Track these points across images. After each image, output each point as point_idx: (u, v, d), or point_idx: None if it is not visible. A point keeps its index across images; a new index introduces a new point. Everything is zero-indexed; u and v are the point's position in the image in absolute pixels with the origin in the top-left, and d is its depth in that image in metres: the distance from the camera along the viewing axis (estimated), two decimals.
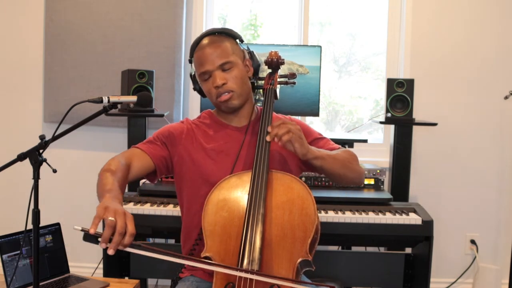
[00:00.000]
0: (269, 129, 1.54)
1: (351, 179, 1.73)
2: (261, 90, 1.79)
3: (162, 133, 1.75)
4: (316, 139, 1.78)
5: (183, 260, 1.36)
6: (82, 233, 1.21)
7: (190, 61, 1.76)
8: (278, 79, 1.79)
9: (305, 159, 1.58)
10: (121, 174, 1.54)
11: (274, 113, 1.75)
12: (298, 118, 3.18)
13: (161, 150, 1.71)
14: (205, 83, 1.69)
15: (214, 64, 1.65)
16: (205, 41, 1.69)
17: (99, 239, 1.21)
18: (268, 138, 1.53)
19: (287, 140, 1.50)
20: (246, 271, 1.38)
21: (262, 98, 1.76)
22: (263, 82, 1.80)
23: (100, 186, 1.48)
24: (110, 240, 1.22)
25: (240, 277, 1.40)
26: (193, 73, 1.77)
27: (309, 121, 3.46)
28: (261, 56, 1.82)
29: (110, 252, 1.22)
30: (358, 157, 1.77)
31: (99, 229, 1.22)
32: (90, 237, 1.21)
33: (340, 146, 1.81)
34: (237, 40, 1.74)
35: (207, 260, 1.41)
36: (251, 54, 1.77)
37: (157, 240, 2.91)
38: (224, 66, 1.65)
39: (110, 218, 1.23)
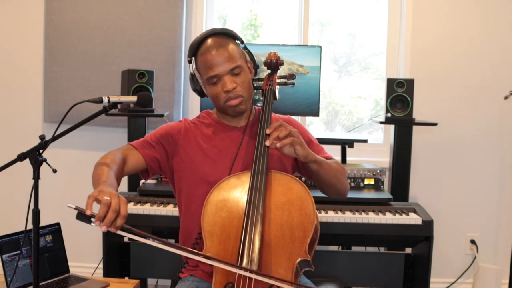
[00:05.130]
0: (268, 131, 1.53)
1: (338, 191, 1.75)
2: (260, 91, 1.79)
3: (159, 133, 1.74)
4: (311, 142, 1.78)
5: (179, 250, 1.36)
6: (78, 216, 1.25)
7: (190, 61, 1.74)
8: (277, 80, 1.79)
9: (306, 161, 1.58)
10: (116, 167, 1.57)
11: (273, 114, 1.75)
12: (298, 118, 3.20)
13: (155, 151, 1.71)
14: (213, 87, 1.67)
15: (225, 68, 1.63)
16: (209, 43, 1.66)
17: (92, 219, 1.25)
18: (267, 143, 1.51)
19: (289, 144, 1.50)
20: (246, 269, 1.38)
21: (261, 98, 1.76)
22: (262, 82, 1.80)
23: (96, 177, 1.50)
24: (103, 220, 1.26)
25: (239, 277, 1.40)
26: (193, 73, 1.75)
27: (309, 121, 3.46)
28: (261, 56, 1.82)
29: (103, 229, 1.25)
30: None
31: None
32: (83, 217, 1.25)
33: (332, 156, 1.81)
34: (238, 42, 1.72)
35: (200, 252, 1.41)
36: (251, 55, 1.76)
37: None
38: (234, 70, 1.64)
39: (105, 197, 1.27)
